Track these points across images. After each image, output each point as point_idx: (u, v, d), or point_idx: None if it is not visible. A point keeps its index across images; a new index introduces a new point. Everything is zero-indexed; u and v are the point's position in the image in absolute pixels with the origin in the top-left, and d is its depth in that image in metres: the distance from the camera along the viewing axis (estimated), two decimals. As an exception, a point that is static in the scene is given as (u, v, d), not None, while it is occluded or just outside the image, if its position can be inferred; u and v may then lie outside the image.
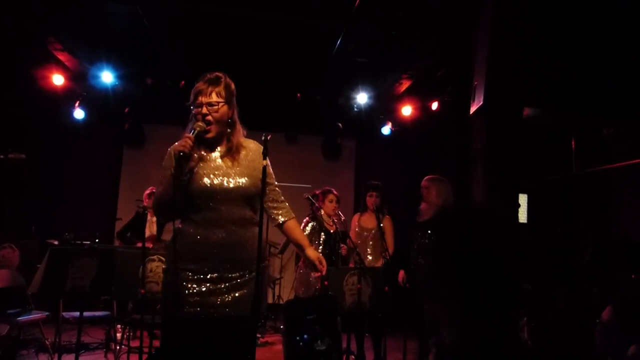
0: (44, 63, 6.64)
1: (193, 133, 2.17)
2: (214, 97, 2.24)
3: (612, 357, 3.53)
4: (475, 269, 1.10)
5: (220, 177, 2.25)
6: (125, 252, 4.06)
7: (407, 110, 7.56)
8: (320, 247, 4.79)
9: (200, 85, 2.26)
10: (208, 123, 2.23)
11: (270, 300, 7.33)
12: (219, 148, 2.32)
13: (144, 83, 7.06)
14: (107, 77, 6.89)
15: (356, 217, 5.15)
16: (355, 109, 7.67)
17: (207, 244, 2.20)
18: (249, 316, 2.18)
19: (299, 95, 7.39)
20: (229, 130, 2.32)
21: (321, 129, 8.24)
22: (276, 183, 2.48)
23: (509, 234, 1.18)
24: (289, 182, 7.71)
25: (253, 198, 2.31)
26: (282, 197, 2.50)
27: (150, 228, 5.67)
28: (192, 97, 2.27)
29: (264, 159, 2.26)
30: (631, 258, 4.06)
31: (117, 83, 7.03)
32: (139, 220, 5.50)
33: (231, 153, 2.30)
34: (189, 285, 2.18)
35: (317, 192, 5.00)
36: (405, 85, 7.24)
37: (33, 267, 4.45)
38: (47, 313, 4.67)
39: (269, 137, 2.28)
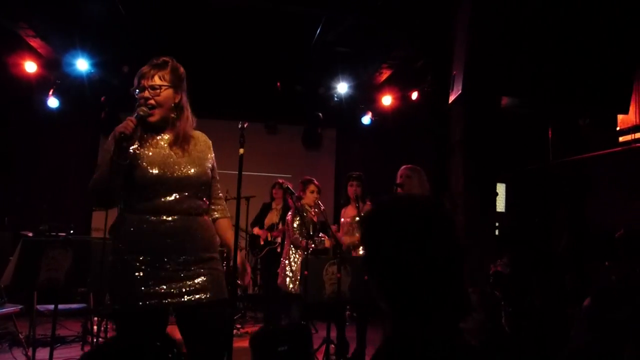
0: (16, 50, 6.47)
1: (136, 116, 2.12)
2: (157, 80, 2.19)
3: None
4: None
5: (171, 167, 2.20)
6: (101, 244, 3.99)
7: (387, 100, 7.56)
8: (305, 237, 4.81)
9: (144, 69, 2.21)
10: (151, 107, 2.18)
11: (250, 291, 7.32)
12: (166, 135, 2.26)
13: (120, 71, 6.93)
14: (82, 64, 6.75)
15: (342, 211, 5.15)
16: (336, 99, 7.65)
17: (155, 233, 2.15)
18: (205, 303, 2.16)
19: (278, 84, 7.34)
20: (173, 115, 2.26)
21: (301, 119, 8.21)
22: (218, 178, 2.44)
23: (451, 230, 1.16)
24: (269, 172, 7.69)
25: (202, 187, 2.28)
26: (221, 194, 2.48)
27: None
28: (135, 81, 2.21)
29: (240, 147, 2.23)
30: (605, 246, 4.12)
31: (92, 71, 6.88)
32: None
33: (179, 141, 2.24)
34: (138, 276, 2.12)
35: (289, 185, 5.00)
36: (385, 75, 7.24)
37: (6, 260, 4.35)
38: (20, 306, 4.58)
39: (245, 125, 2.25)
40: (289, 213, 5.03)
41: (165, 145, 2.24)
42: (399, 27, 5.77)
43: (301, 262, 4.75)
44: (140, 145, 2.20)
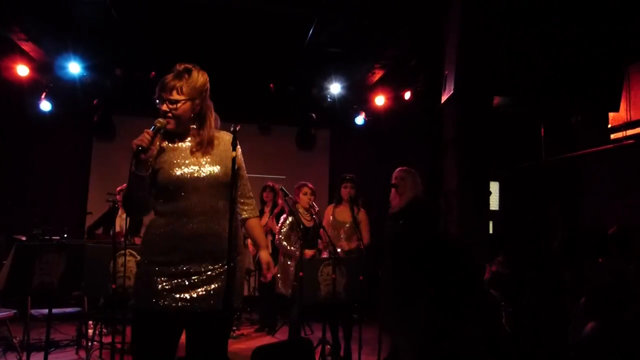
0: (8, 53, 6.44)
1: (153, 128, 2.12)
2: (175, 95, 2.18)
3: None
4: (445, 270, 1.11)
5: (191, 167, 2.21)
6: (95, 247, 3.98)
7: (380, 100, 7.58)
8: (298, 241, 4.81)
9: (166, 78, 2.20)
10: (171, 119, 2.19)
11: (246, 292, 7.31)
12: (189, 140, 2.28)
13: (113, 74, 6.91)
14: (74, 68, 6.72)
15: (330, 207, 5.14)
16: (329, 99, 7.66)
17: (177, 236, 2.16)
18: (221, 310, 2.16)
19: (271, 85, 7.34)
20: (196, 124, 2.27)
21: (295, 120, 8.21)
22: (247, 176, 2.44)
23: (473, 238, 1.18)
24: (263, 174, 7.68)
25: (225, 188, 2.26)
26: (251, 193, 2.48)
27: (120, 223, 5.59)
28: (157, 91, 2.21)
29: (233, 150, 2.23)
30: (598, 243, 4.15)
31: (85, 74, 6.86)
32: (110, 216, 5.42)
33: (202, 147, 2.26)
34: (159, 279, 2.14)
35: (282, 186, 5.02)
36: (377, 75, 7.25)
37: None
38: (14, 311, 4.56)
39: (237, 128, 2.25)
40: (282, 216, 5.03)
41: (187, 149, 2.25)
42: (391, 27, 5.79)
43: (295, 265, 4.76)
44: (162, 152, 2.22)
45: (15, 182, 7.36)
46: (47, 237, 5.65)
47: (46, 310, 3.78)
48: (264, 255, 2.52)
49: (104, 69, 6.91)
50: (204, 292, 2.18)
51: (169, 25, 6.04)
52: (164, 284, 2.14)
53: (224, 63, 6.63)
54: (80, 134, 7.77)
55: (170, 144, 2.25)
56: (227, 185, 2.26)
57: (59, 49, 6.53)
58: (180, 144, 2.27)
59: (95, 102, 7.30)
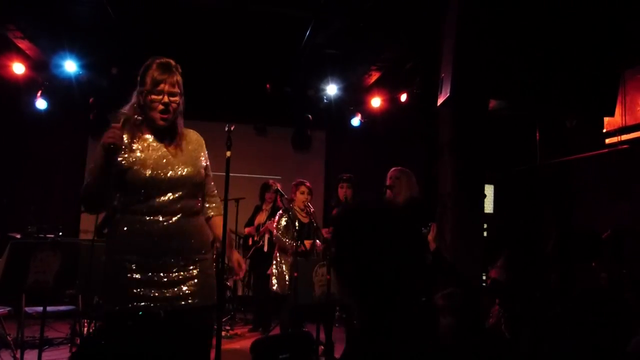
0: (4, 51, 6.43)
1: (122, 122, 2.13)
2: (176, 88, 2.21)
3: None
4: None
5: (164, 167, 2.20)
6: (90, 246, 3.98)
7: (376, 102, 7.60)
8: (293, 240, 4.82)
9: (158, 73, 2.18)
10: (168, 112, 2.19)
11: (239, 292, 7.31)
12: (161, 136, 2.27)
13: (109, 72, 6.90)
14: (70, 66, 6.71)
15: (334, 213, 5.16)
16: (325, 101, 7.67)
17: (149, 234, 2.15)
18: (195, 308, 2.17)
19: (268, 86, 7.35)
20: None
21: (291, 121, 8.22)
22: (211, 175, 2.45)
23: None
24: (258, 174, 7.68)
25: (196, 187, 2.28)
26: (216, 191, 2.48)
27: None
28: (149, 82, 2.18)
29: (227, 149, 2.24)
30: (592, 247, 4.17)
31: (81, 72, 6.85)
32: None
33: (175, 142, 2.26)
34: (132, 277, 2.12)
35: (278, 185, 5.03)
36: (374, 77, 7.27)
37: (-6, 262, 4.32)
38: (8, 308, 4.55)
39: (232, 128, 2.27)
40: (278, 213, 5.05)
41: (159, 146, 2.24)
42: (388, 30, 5.80)
43: (290, 264, 4.77)
44: (133, 146, 2.20)
45: (10, 179, 7.34)
46: (42, 235, 5.64)
47: (40, 308, 3.78)
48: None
49: (100, 68, 6.90)
50: (177, 290, 2.17)
51: (166, 25, 6.03)
52: (136, 283, 2.12)
53: (220, 63, 6.64)
54: (76, 132, 7.75)
55: (140, 141, 2.23)
56: (199, 184, 2.29)
57: (55, 47, 6.52)
58: (151, 140, 2.25)
59: (91, 100, 7.28)
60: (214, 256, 2.49)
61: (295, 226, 4.71)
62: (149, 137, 2.25)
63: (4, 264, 3.56)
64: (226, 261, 2.47)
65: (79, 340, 4.80)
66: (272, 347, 3.15)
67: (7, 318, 4.58)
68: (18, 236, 5.69)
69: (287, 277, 4.77)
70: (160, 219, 2.17)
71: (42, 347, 3.72)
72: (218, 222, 2.45)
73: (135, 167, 2.16)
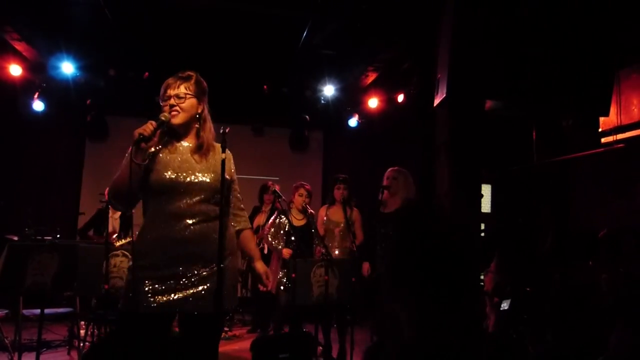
0: (1, 53, 6.43)
1: (157, 121, 2.18)
2: (182, 90, 2.27)
3: None
4: (437, 264, 1.11)
5: (185, 172, 2.24)
6: (88, 248, 3.98)
7: (373, 103, 7.61)
8: (287, 243, 4.84)
9: (170, 80, 2.30)
10: (175, 111, 2.25)
11: (238, 294, 7.31)
12: (188, 143, 2.32)
13: (106, 74, 6.90)
14: (67, 68, 6.71)
15: (323, 209, 5.16)
16: (322, 101, 7.68)
17: (167, 238, 2.18)
18: (211, 312, 2.17)
19: (265, 87, 7.35)
20: (197, 125, 2.33)
21: (288, 121, 8.23)
22: (238, 190, 2.48)
23: (467, 232, 1.20)
24: (256, 175, 7.69)
25: (216, 194, 2.29)
26: (242, 205, 2.52)
27: (113, 224, 5.58)
28: (162, 91, 2.30)
29: (223, 152, 2.26)
30: (588, 246, 4.19)
31: (78, 74, 6.85)
32: (101, 217, 5.41)
33: (201, 150, 2.30)
34: (147, 281, 2.15)
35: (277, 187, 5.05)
36: (371, 77, 7.29)
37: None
38: (6, 311, 4.55)
39: (227, 130, 2.28)
40: (274, 214, 5.06)
41: (185, 151, 2.30)
42: (385, 31, 5.81)
43: (281, 263, 4.79)
44: (159, 151, 2.25)
45: (7, 181, 7.33)
46: (40, 237, 5.64)
47: (38, 311, 3.77)
48: (260, 266, 2.55)
49: (97, 69, 6.91)
50: (193, 294, 2.18)
51: (163, 26, 6.03)
52: (153, 286, 2.15)
53: (217, 64, 6.64)
54: (73, 134, 7.75)
55: (168, 146, 2.29)
56: (218, 192, 2.29)
57: (52, 49, 6.51)
58: (177, 146, 2.30)
59: (88, 102, 7.28)
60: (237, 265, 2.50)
61: (285, 229, 4.73)
62: (175, 142, 2.32)
63: (2, 266, 3.55)
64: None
65: (77, 343, 4.80)
66: (272, 346, 3.15)
67: (4, 320, 4.59)
68: (15, 238, 5.68)
69: (280, 276, 4.77)
70: (180, 223, 2.20)
71: (39, 350, 3.72)
72: (246, 235, 2.52)
73: (157, 170, 2.21)
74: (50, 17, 5.88)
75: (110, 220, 5.44)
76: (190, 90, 2.28)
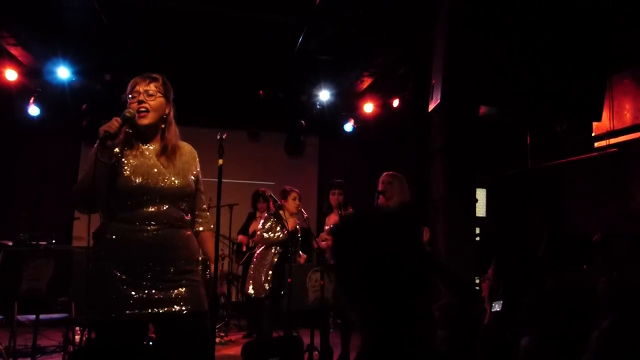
0: (-4, 58, 6.42)
1: (122, 117, 2.13)
2: (152, 87, 2.25)
3: None
4: (377, 269, 1.10)
5: (154, 176, 2.21)
6: (83, 253, 3.97)
7: (368, 108, 7.63)
8: (278, 247, 4.87)
9: (138, 78, 2.27)
10: (144, 110, 2.22)
11: (233, 299, 7.30)
12: (153, 145, 2.29)
13: (102, 79, 6.90)
14: (63, 72, 6.70)
15: (326, 219, 5.16)
16: (318, 106, 7.70)
17: (136, 243, 2.16)
18: (185, 315, 2.17)
19: (261, 92, 7.37)
20: (163, 126, 2.30)
21: (284, 126, 8.24)
22: (203, 190, 2.47)
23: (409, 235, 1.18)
24: (252, 180, 7.70)
25: (185, 199, 2.30)
26: (206, 206, 2.51)
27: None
28: (129, 88, 2.27)
29: (220, 158, 2.26)
30: (582, 250, 4.21)
31: (74, 79, 6.84)
32: None
33: (166, 152, 2.28)
34: (117, 286, 2.11)
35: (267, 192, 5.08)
36: (366, 82, 7.31)
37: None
38: (0, 317, 4.52)
39: (224, 136, 2.28)
40: (264, 215, 5.08)
41: (151, 155, 2.27)
42: (380, 36, 5.85)
43: (268, 267, 4.82)
44: (126, 154, 2.22)
45: (2, 186, 7.31)
46: (35, 243, 5.61)
47: (33, 316, 3.76)
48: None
49: (93, 74, 6.90)
50: (164, 298, 2.16)
51: (159, 31, 6.05)
52: (123, 291, 2.11)
53: (214, 70, 6.66)
54: (68, 138, 7.73)
55: (134, 149, 2.25)
56: (188, 196, 2.31)
57: (47, 54, 6.51)
58: (143, 149, 2.27)
59: (84, 107, 7.27)
60: (205, 270, 2.51)
61: (281, 223, 4.77)
62: (143, 146, 2.27)
63: (-3, 271, 3.55)
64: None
65: (72, 349, 4.77)
66: (263, 350, 3.15)
67: (-1, 326, 4.56)
68: (10, 243, 5.65)
69: (263, 280, 4.80)
70: (148, 228, 2.18)
71: (34, 356, 3.72)
72: (206, 236, 2.49)
73: (126, 174, 2.18)
74: (47, 22, 5.88)
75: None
76: (160, 90, 2.26)
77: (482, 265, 4.99)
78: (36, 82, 6.91)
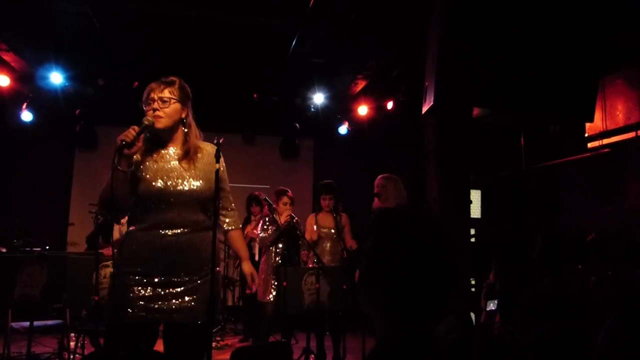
0: (-12, 64, 6.40)
1: (140, 126, 2.15)
2: (167, 94, 2.25)
3: None
4: (411, 272, 1.11)
5: (175, 180, 2.22)
6: (77, 259, 3.96)
7: (363, 110, 7.64)
8: (280, 246, 4.87)
9: (153, 84, 2.28)
10: (159, 116, 2.23)
11: (230, 303, 7.28)
12: (174, 149, 2.30)
13: (95, 84, 6.88)
14: (56, 78, 6.68)
15: (312, 216, 5.16)
16: (312, 109, 7.71)
17: (156, 247, 2.17)
18: (198, 321, 2.17)
19: (255, 95, 7.37)
20: (185, 130, 2.31)
21: (279, 129, 8.24)
22: (229, 189, 2.47)
23: (451, 241, 1.19)
24: (247, 183, 7.68)
25: (207, 202, 2.29)
26: (233, 205, 2.51)
27: (121, 231, 5.53)
28: (145, 95, 2.27)
29: (217, 162, 2.26)
30: (577, 250, 4.22)
31: (67, 84, 6.82)
32: (107, 225, 5.35)
33: (188, 156, 2.28)
34: (135, 290, 2.13)
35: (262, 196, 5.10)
36: (360, 85, 7.33)
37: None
38: (-5, 324, 4.49)
39: (221, 141, 2.28)
40: (264, 220, 5.08)
41: (171, 158, 2.27)
42: (373, 39, 5.86)
43: (271, 270, 4.81)
44: (146, 159, 2.23)
45: (-5, 193, 7.27)
46: (29, 249, 5.59)
47: (27, 323, 3.74)
48: (247, 266, 2.55)
49: (87, 79, 6.88)
50: (181, 303, 2.17)
51: (152, 36, 6.04)
52: (141, 294, 2.13)
53: (207, 73, 6.65)
54: (62, 144, 7.71)
55: (154, 153, 2.26)
56: (209, 199, 2.29)
57: (40, 59, 6.48)
58: (163, 153, 2.28)
59: (77, 112, 7.25)
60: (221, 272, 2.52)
61: (276, 223, 4.79)
62: (162, 150, 2.29)
63: (-10, 278, 3.53)
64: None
65: (66, 355, 4.75)
66: (252, 356, 3.15)
67: (-7, 333, 4.53)
68: (4, 250, 5.62)
69: (270, 285, 4.79)
70: (168, 232, 2.19)
71: (29, 362, 3.69)
72: (235, 235, 2.51)
73: (145, 179, 2.19)
74: (39, 27, 5.86)
75: (116, 227, 5.36)
76: (174, 95, 2.26)
77: (477, 267, 5.01)
78: (29, 88, 6.88)
